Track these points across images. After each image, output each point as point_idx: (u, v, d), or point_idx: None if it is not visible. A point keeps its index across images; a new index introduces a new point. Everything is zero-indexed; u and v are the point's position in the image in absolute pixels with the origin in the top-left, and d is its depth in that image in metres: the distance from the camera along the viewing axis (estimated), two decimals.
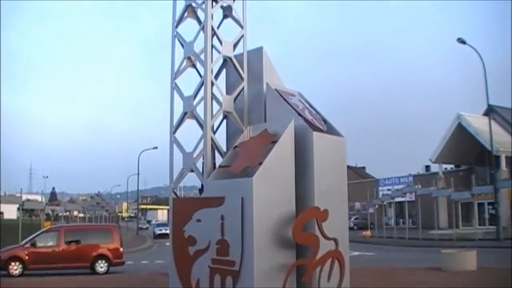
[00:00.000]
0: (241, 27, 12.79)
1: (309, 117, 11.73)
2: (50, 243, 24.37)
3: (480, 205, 60.80)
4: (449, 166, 69.98)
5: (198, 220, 10.33)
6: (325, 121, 12.10)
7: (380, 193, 70.63)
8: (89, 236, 25.91)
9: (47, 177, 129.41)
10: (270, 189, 10.00)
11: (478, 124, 57.92)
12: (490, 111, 50.74)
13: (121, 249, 27.48)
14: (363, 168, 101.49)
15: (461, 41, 45.85)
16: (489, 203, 57.12)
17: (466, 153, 61.86)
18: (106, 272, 23.94)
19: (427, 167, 76.75)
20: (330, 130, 11.87)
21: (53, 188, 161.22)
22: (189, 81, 12.86)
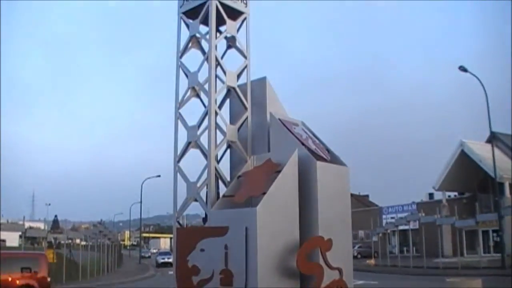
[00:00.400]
0: (245, 57, 12.97)
1: (313, 147, 11.79)
2: None
3: (485, 232, 60.42)
4: (452, 194, 69.77)
5: (202, 250, 10.34)
6: (328, 150, 12.13)
7: (384, 221, 70.38)
8: (14, 265, 23.45)
9: (49, 204, 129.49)
10: (274, 218, 10.01)
11: (481, 151, 57.90)
12: (493, 138, 50.81)
13: (49, 279, 25.58)
14: (367, 196, 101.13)
15: (463, 69, 46.13)
16: (493, 231, 56.76)
17: (470, 180, 61.72)
18: None
19: (431, 195, 76.50)
20: (334, 159, 11.91)
21: (56, 216, 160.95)
22: (193, 110, 12.94)
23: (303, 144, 11.56)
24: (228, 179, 12.44)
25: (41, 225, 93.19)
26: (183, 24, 13.31)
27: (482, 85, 44.67)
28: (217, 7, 12.50)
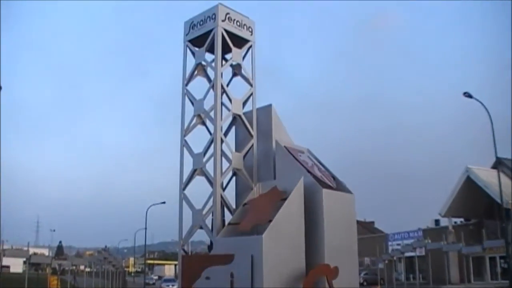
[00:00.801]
0: (250, 85, 13.01)
1: (318, 174, 11.75)
2: None
3: (492, 259, 59.78)
4: (458, 220, 69.35)
5: (208, 278, 10.30)
6: (334, 177, 12.10)
7: (390, 248, 69.71)
8: None
9: (54, 230, 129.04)
10: (280, 246, 9.94)
11: (487, 177, 57.60)
12: (499, 164, 50.53)
13: None
14: (372, 222, 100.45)
15: (468, 95, 46.16)
16: (501, 257, 56.11)
17: (476, 206, 61.36)
18: None
19: (437, 221, 75.92)
20: (340, 186, 11.88)
21: (60, 242, 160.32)
22: (198, 138, 13.02)
23: (308, 171, 11.54)
24: (234, 206, 12.41)
25: (46, 251, 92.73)
26: (189, 52, 13.43)
27: (487, 111, 44.69)
28: (222, 35, 12.62)
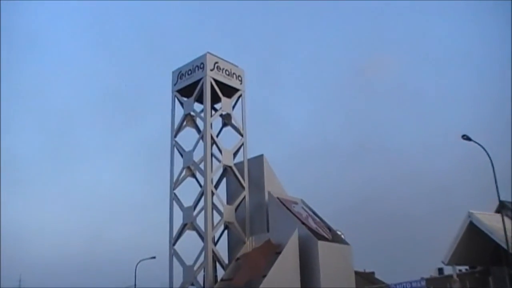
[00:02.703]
0: (241, 135, 13.19)
1: (313, 226, 11.80)
2: None
3: None
4: (463, 268, 68.34)
5: None
6: (330, 229, 12.16)
7: None
8: None
9: None
10: None
11: (491, 221, 57.00)
12: (502, 208, 50.08)
13: None
14: (372, 273, 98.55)
15: (466, 137, 46.13)
16: None
17: (481, 252, 60.55)
18: None
19: (440, 270, 74.64)
20: (336, 238, 11.97)
21: None
22: (188, 190, 13.07)
23: (303, 223, 11.60)
24: (226, 261, 12.40)
25: None
26: (177, 102, 13.58)
27: (488, 154, 44.67)
28: (211, 84, 12.82)
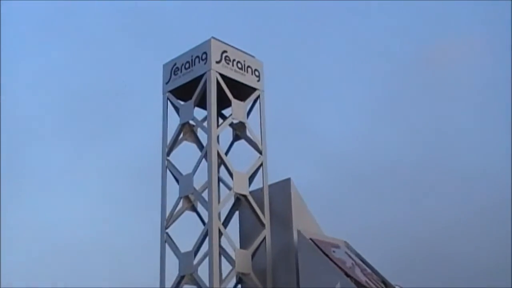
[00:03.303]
0: (259, 152, 11.17)
1: (362, 278, 10.00)
2: None
3: None
4: None
5: None
6: (385, 282, 10.37)
7: None
8: None
9: None
10: None
11: None
12: None
13: None
14: None
15: None
16: None
17: None
18: None
19: None
20: None
21: None
22: (186, 227, 11.18)
23: (347, 274, 9.85)
24: None
25: None
26: (171, 107, 11.61)
27: None
28: (218, 82, 10.86)
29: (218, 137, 10.83)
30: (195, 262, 10.44)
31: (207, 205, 10.32)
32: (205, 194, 10.55)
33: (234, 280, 10.63)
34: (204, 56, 10.95)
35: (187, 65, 11.28)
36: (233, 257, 10.47)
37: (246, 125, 11.24)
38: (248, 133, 11.29)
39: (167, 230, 10.87)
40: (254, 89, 11.36)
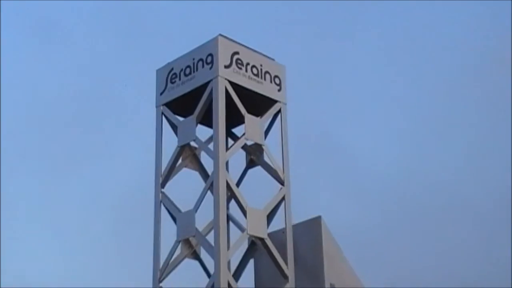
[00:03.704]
0: (281, 183, 9.35)
1: None
2: None
3: None
4: None
5: None
6: None
7: None
8: None
9: None
10: None
11: None
12: None
13: None
14: None
15: None
16: None
17: None
18: None
19: None
20: None
21: None
22: (185, 279, 9.33)
23: None
24: None
25: None
26: (166, 124, 9.82)
27: None
28: (227, 93, 9.16)
29: (227, 163, 9.54)
30: None
31: (213, 252, 8.88)
32: (210, 237, 9.08)
33: None
34: (209, 59, 9.49)
35: (187, 71, 9.82)
36: None
37: (264, 147, 9.88)
38: (266, 158, 9.97)
39: (160, 284, 9.22)
40: (274, 101, 9.89)
